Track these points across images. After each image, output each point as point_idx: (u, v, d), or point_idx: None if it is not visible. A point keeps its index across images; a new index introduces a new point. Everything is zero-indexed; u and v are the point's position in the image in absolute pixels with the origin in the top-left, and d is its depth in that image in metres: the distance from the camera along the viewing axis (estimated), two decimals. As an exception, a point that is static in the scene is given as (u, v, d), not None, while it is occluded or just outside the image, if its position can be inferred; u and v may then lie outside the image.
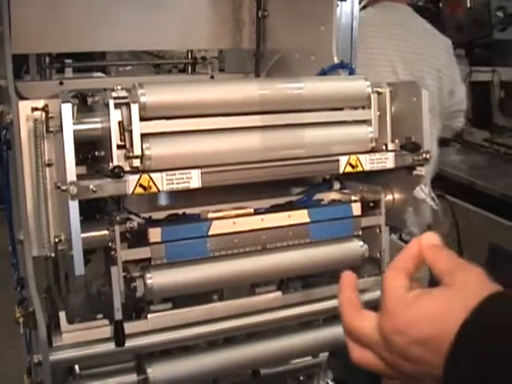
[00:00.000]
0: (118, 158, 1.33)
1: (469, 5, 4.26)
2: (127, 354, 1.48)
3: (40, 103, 1.40)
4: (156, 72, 4.14)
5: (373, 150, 1.59)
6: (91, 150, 1.44)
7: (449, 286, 0.81)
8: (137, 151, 1.33)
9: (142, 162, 1.35)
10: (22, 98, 1.48)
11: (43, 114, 1.38)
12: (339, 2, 1.93)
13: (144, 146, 1.34)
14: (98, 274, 1.57)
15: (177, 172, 1.35)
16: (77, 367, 1.47)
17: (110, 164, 1.32)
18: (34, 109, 1.39)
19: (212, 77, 2.32)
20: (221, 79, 2.30)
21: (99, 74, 3.62)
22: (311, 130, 1.53)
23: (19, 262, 1.62)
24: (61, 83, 2.09)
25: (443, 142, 4.25)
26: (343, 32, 2.02)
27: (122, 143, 1.35)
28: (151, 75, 3.57)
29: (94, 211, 1.46)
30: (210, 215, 1.47)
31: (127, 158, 1.35)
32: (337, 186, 1.70)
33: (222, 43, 2.38)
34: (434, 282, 0.83)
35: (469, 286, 0.79)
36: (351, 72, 1.79)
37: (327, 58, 1.82)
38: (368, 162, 1.54)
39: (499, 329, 0.73)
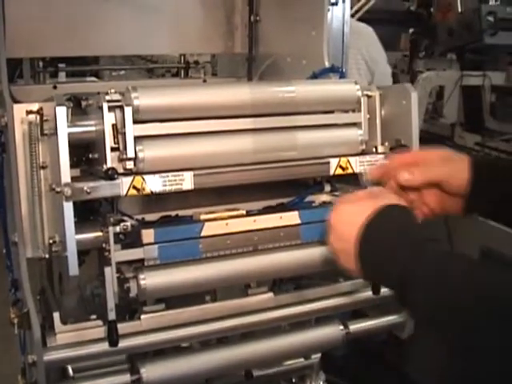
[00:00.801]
0: (111, 160, 1.35)
1: (460, 10, 4.28)
2: (121, 354, 1.49)
3: (34, 106, 1.41)
4: (149, 76, 4.16)
5: (363, 153, 1.61)
6: (85, 153, 1.46)
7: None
8: (130, 153, 1.35)
9: (135, 164, 1.37)
10: (16, 101, 1.49)
11: (38, 117, 1.39)
12: (330, 7, 1.95)
13: (137, 149, 1.36)
14: (91, 275, 1.58)
15: (169, 174, 1.37)
16: (70, 368, 1.48)
17: (104, 166, 1.34)
18: (29, 112, 1.40)
19: (205, 81, 2.34)
20: (213, 83, 2.32)
21: (92, 79, 3.63)
22: (302, 132, 1.55)
23: (13, 264, 1.63)
24: (54, 87, 2.11)
25: (435, 146, 4.27)
26: (334, 36, 2.04)
27: (116, 146, 1.37)
28: (144, 79, 3.59)
29: (87, 213, 1.47)
30: (203, 217, 1.48)
31: (121, 160, 1.37)
32: (327, 188, 1.72)
33: (214, 47, 2.40)
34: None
35: (385, 198, 1.21)
36: (342, 76, 1.81)
37: (318, 62, 1.85)
38: (358, 165, 1.57)
39: (389, 219, 1.16)
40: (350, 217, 1.20)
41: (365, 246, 1.15)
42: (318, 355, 1.94)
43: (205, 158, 1.45)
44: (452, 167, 1.34)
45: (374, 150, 1.62)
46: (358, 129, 1.61)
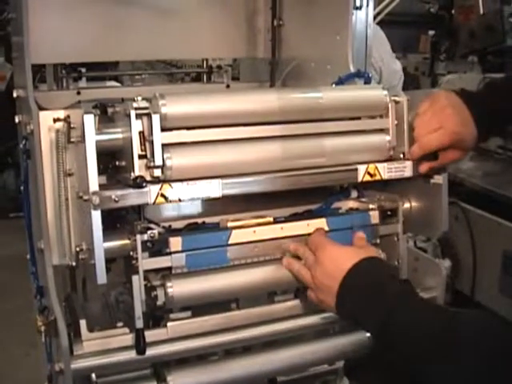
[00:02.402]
0: (139, 168, 1.34)
1: (481, 12, 4.25)
2: (147, 362, 1.49)
3: (61, 114, 1.41)
4: (169, 80, 4.16)
5: (390, 159, 1.60)
6: (111, 160, 1.45)
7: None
8: (158, 161, 1.34)
9: (162, 171, 1.36)
10: (41, 108, 1.49)
11: (65, 124, 1.39)
12: (354, 11, 1.93)
13: (165, 156, 1.35)
14: (114, 281, 1.58)
15: (197, 182, 1.36)
16: (93, 375, 1.47)
17: (132, 174, 1.33)
18: (56, 119, 1.40)
19: (228, 86, 2.33)
20: (239, 89, 2.31)
21: (113, 83, 3.64)
22: (330, 139, 1.54)
23: (38, 271, 1.63)
24: (78, 93, 2.11)
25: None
26: (358, 40, 2.03)
27: (143, 153, 1.36)
28: (164, 83, 3.59)
29: (114, 220, 1.47)
30: (230, 224, 1.48)
31: (148, 167, 1.36)
32: (354, 194, 1.71)
33: (237, 52, 2.39)
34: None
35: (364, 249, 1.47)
36: (367, 81, 1.79)
37: (343, 67, 1.83)
38: (386, 171, 1.55)
39: (366, 274, 1.37)
40: (337, 258, 1.40)
41: (346, 289, 1.36)
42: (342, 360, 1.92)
43: (233, 165, 1.43)
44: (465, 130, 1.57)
45: (402, 155, 1.61)
46: (385, 135, 1.60)
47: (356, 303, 1.36)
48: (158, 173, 1.35)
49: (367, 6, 2.04)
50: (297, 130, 1.51)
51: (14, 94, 1.67)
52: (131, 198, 1.32)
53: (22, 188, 1.68)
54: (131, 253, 1.38)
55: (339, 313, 1.42)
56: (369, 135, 1.59)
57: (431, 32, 4.79)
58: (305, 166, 1.50)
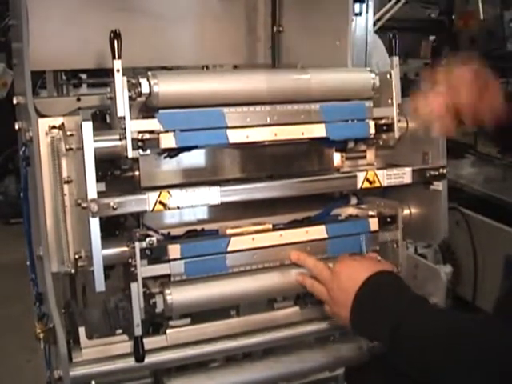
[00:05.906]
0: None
1: (482, 17, 4.24)
2: (146, 369, 1.49)
3: (58, 121, 1.41)
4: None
5: (390, 166, 1.60)
6: (110, 166, 1.45)
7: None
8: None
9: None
10: (41, 114, 1.48)
11: (60, 131, 1.38)
12: (354, 17, 1.93)
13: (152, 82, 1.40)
14: (115, 287, 1.57)
15: (196, 189, 1.36)
16: (93, 383, 1.47)
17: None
18: (52, 127, 1.40)
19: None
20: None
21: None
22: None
23: (38, 278, 1.63)
24: (78, 99, 2.11)
25: (457, 154, 4.24)
26: (358, 46, 2.02)
27: None
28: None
29: (112, 226, 1.46)
30: (229, 231, 1.48)
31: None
32: (354, 201, 1.71)
33: (237, 59, 2.38)
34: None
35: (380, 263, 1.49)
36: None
37: (343, 73, 1.83)
38: (385, 178, 1.55)
39: (380, 286, 1.37)
40: (353, 271, 1.41)
41: (359, 303, 1.36)
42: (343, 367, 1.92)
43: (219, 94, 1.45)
44: None
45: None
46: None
47: (368, 314, 1.36)
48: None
49: (367, 12, 2.05)
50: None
51: (14, 101, 1.67)
52: (130, 205, 1.32)
53: (21, 194, 1.68)
54: (130, 260, 1.38)
55: (353, 326, 1.40)
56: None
57: (432, 37, 4.78)
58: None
